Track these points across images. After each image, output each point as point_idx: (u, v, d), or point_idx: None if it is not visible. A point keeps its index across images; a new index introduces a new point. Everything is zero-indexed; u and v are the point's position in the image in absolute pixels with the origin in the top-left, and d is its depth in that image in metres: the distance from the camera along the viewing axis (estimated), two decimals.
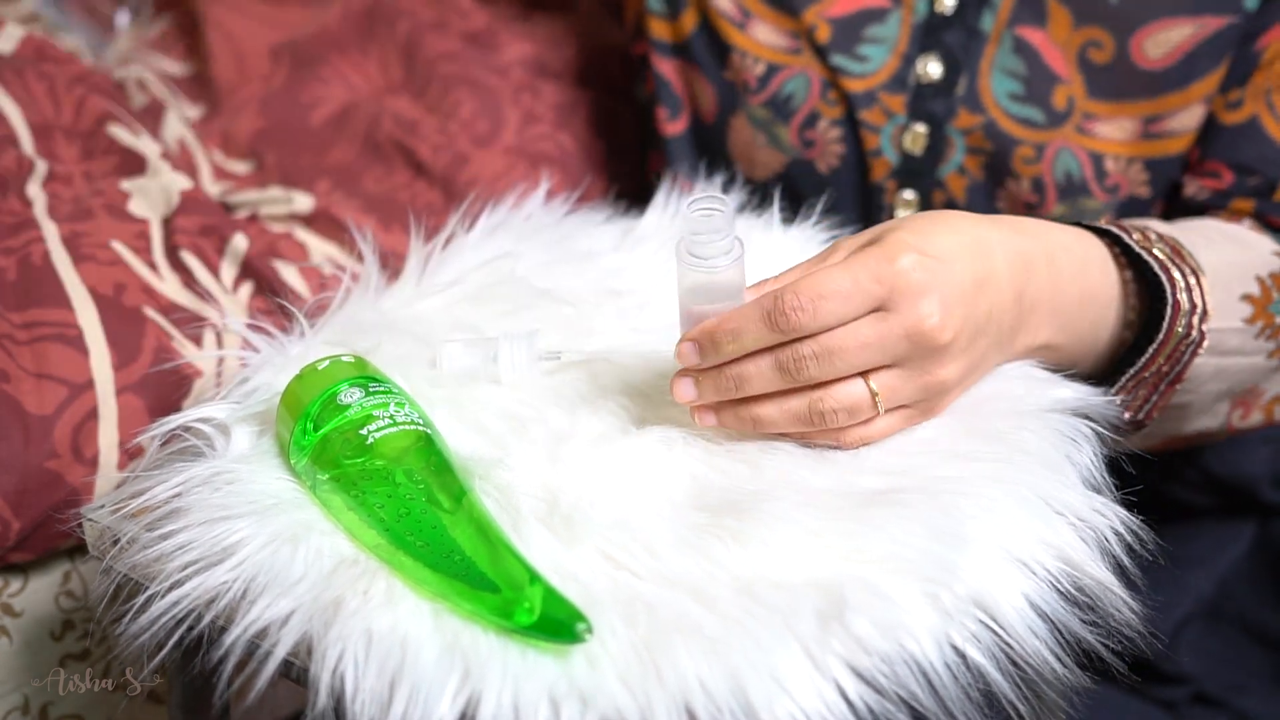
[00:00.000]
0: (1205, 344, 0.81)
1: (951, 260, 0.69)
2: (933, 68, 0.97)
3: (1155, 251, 0.80)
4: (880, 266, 0.67)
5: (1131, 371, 0.81)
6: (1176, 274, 0.80)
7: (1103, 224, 0.82)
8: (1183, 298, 0.80)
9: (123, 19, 1.24)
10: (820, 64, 0.99)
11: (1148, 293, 0.81)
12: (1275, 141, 0.93)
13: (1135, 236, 0.80)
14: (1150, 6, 0.93)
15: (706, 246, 0.67)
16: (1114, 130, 0.95)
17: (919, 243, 0.68)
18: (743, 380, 0.68)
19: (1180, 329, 0.80)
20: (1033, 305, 0.75)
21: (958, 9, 0.96)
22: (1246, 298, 0.85)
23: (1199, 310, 0.80)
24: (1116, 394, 0.81)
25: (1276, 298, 0.86)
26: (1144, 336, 0.81)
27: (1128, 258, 0.81)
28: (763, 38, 1.01)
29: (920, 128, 0.98)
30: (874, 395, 0.69)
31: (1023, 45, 0.95)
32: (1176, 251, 0.81)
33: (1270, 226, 0.93)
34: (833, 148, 1.00)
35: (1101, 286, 0.80)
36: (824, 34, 0.99)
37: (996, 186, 0.98)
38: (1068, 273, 0.77)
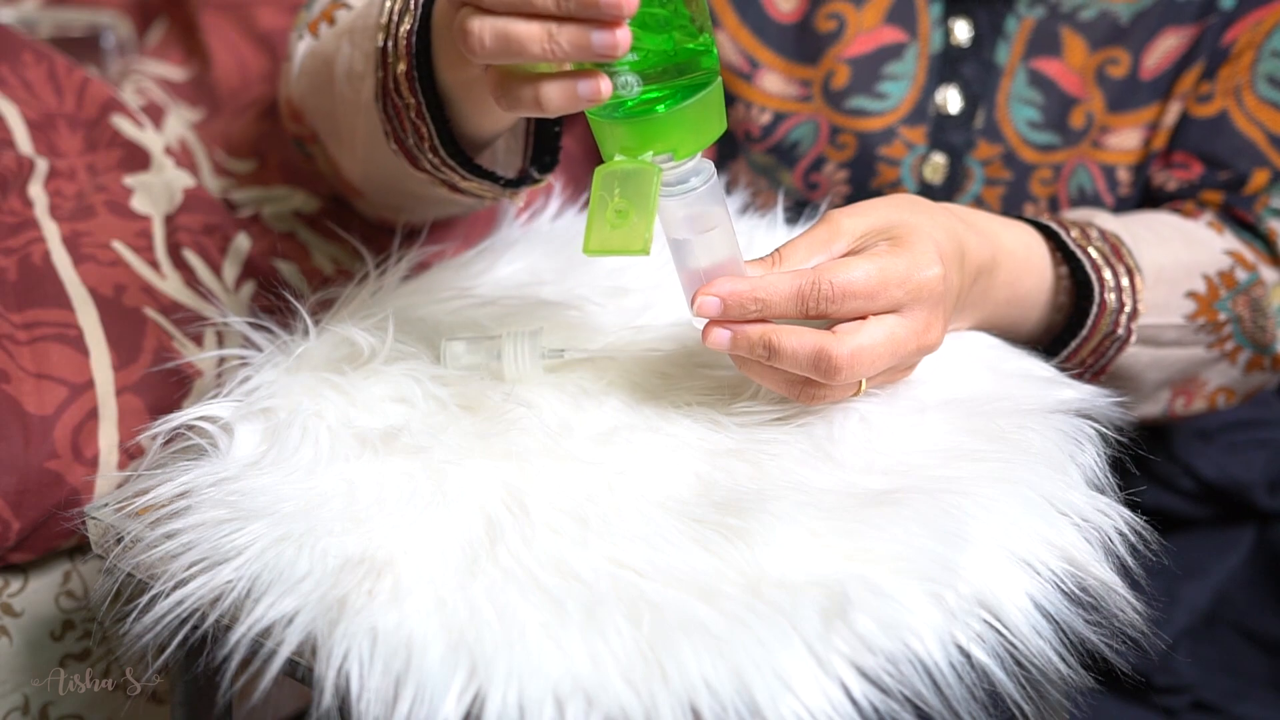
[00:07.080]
0: (1132, 340, 0.83)
1: (950, 267, 0.72)
2: (951, 99, 0.96)
3: (1090, 250, 0.82)
4: (910, 274, 0.69)
5: (1053, 364, 0.82)
6: (1108, 274, 0.82)
7: (1044, 219, 0.84)
8: (1110, 297, 0.82)
9: (109, 41, 1.23)
10: (831, 110, 0.97)
11: (1077, 290, 0.83)
12: (1244, 135, 0.94)
13: (1074, 234, 0.82)
14: (1155, 19, 0.94)
15: (682, 181, 0.67)
16: (1124, 140, 0.96)
17: (933, 251, 0.70)
18: (776, 354, 0.68)
19: (1106, 326, 0.82)
20: (964, 305, 0.78)
21: (973, 41, 0.96)
22: (1191, 295, 0.87)
23: (1127, 309, 0.82)
24: None
25: (1223, 295, 0.88)
26: (1068, 331, 0.83)
27: (1063, 253, 0.83)
28: (771, 87, 0.98)
29: (939, 158, 0.97)
30: (860, 384, 0.71)
31: (1038, 77, 0.95)
32: (1115, 250, 0.83)
33: (1236, 220, 0.94)
34: (839, 188, 1.00)
35: (1032, 291, 0.82)
36: (841, 79, 0.97)
37: (1013, 211, 0.98)
38: (1003, 279, 0.80)
